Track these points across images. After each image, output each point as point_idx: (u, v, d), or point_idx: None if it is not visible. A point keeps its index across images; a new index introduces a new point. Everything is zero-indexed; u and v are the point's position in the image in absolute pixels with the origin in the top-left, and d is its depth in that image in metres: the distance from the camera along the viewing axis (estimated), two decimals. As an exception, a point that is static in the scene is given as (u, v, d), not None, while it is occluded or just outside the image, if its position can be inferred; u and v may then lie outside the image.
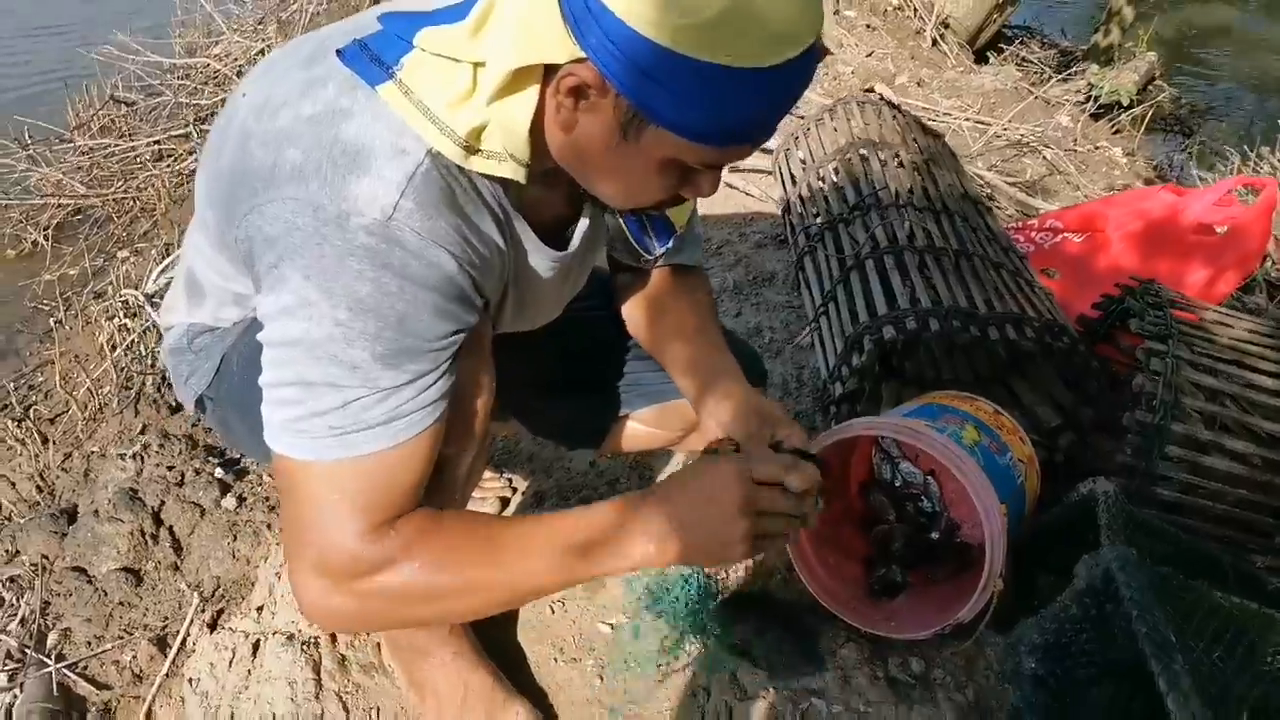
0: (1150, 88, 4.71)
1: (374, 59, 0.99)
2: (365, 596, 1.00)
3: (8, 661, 1.88)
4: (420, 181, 0.97)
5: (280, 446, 0.99)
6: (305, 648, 1.64)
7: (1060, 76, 4.54)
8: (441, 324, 1.01)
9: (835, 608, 1.57)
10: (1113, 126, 4.13)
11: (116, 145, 4.15)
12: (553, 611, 1.73)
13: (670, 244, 1.33)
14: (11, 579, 2.10)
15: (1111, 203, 2.36)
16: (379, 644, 1.67)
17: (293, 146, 0.98)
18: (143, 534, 2.06)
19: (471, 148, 1.00)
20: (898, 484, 1.79)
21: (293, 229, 0.96)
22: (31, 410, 2.84)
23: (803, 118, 3.63)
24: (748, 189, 3.09)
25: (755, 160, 3.21)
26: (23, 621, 1.98)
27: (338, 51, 1.01)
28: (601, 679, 1.58)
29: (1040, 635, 1.25)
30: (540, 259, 1.17)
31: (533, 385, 1.60)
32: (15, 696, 1.81)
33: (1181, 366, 1.67)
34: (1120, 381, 1.85)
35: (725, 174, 2.71)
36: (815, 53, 0.90)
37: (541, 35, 0.91)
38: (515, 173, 1.03)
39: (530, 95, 0.97)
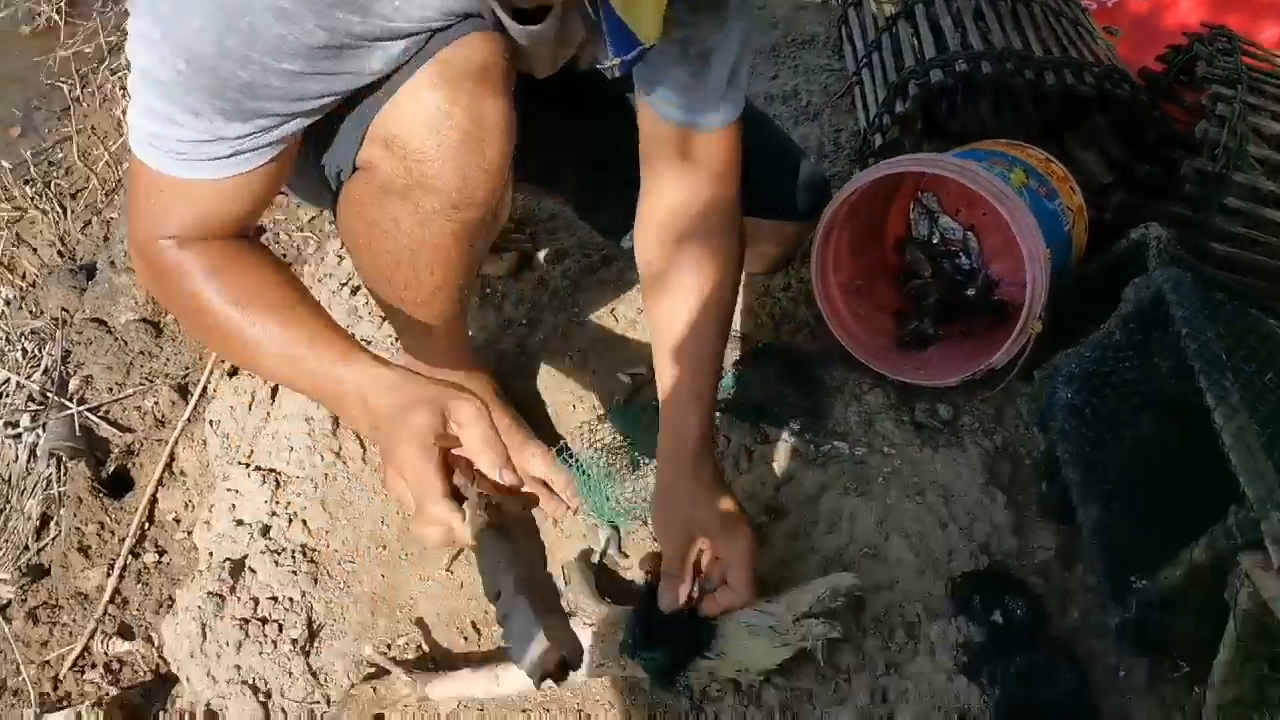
0: None
1: None
2: (163, 284, 1.04)
3: (30, 404, 1.89)
4: None
5: (137, 150, 0.96)
6: (321, 387, 1.62)
7: None
8: (300, 88, 0.92)
9: (863, 355, 1.52)
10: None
11: (128, -85, 3.95)
12: (572, 362, 1.70)
13: (630, 57, 1.02)
14: (33, 332, 2.09)
15: (1185, -42, 2.17)
16: (396, 387, 1.65)
17: None
18: (160, 285, 2.03)
19: None
20: (935, 240, 1.71)
21: None
22: (52, 184, 2.80)
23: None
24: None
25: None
26: (45, 370, 1.98)
27: None
28: (622, 421, 1.55)
29: (1079, 364, 1.19)
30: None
31: (582, 160, 1.51)
32: (39, 436, 1.82)
33: (1248, 113, 1.55)
34: (1179, 141, 1.72)
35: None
36: None
37: None
38: None
39: None
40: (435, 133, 1.02)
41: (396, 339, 1.55)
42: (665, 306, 1.27)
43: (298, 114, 0.96)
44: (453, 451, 0.96)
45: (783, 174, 1.53)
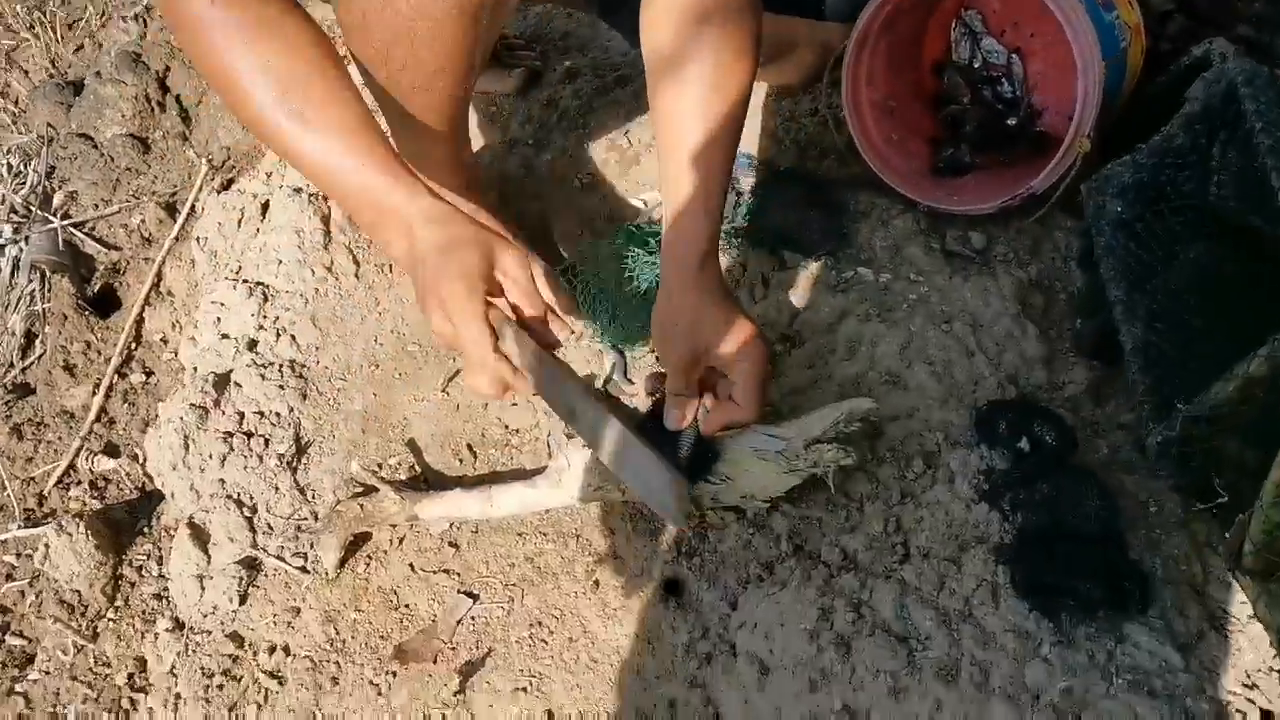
0: None
1: None
2: (192, 42, 0.96)
3: (12, 216, 1.80)
4: None
5: None
6: (314, 199, 1.52)
7: None
8: None
9: (893, 180, 1.40)
10: None
11: None
12: (581, 185, 1.59)
13: None
14: (18, 147, 1.99)
15: None
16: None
17: None
18: (148, 100, 1.92)
19: None
20: (977, 64, 1.57)
21: None
22: (49, 12, 2.66)
23: None
24: None
25: None
26: (30, 186, 1.89)
27: None
28: (629, 241, 1.45)
29: (1133, 174, 1.08)
30: None
31: None
32: (21, 249, 1.75)
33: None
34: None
35: None
36: None
37: None
38: None
39: None
40: None
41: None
42: (673, 96, 1.13)
43: None
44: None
45: None
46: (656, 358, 1.27)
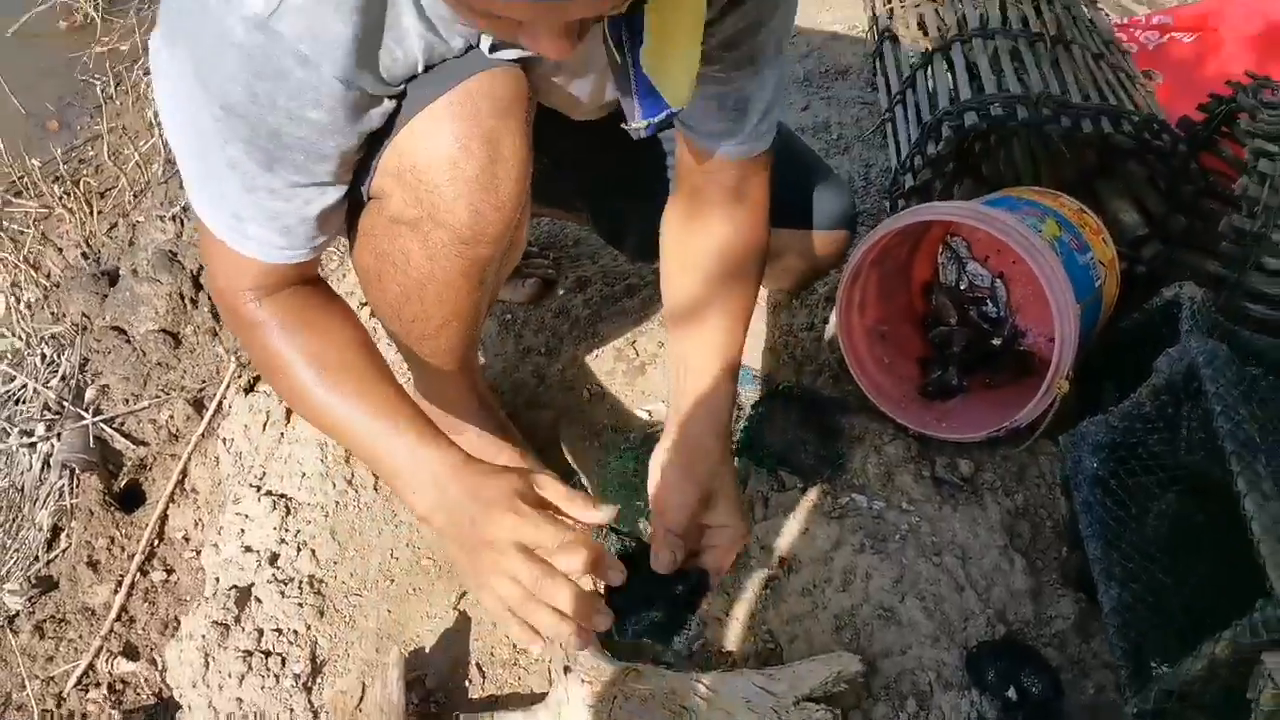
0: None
1: None
2: (245, 337, 1.12)
3: (46, 412, 1.89)
4: None
5: (195, 204, 1.02)
6: (335, 413, 1.60)
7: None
8: (319, 144, 0.94)
9: (885, 405, 1.49)
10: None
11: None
12: (590, 396, 1.68)
13: (658, 119, 0.97)
14: (53, 336, 2.09)
15: (1229, 0, 2.13)
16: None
17: None
18: (181, 297, 2.03)
19: None
20: (963, 286, 1.68)
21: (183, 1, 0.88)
22: (81, 182, 2.80)
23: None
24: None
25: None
26: (63, 377, 1.98)
27: None
28: (637, 464, 1.52)
29: (1107, 434, 1.16)
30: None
31: (611, 186, 1.50)
32: (53, 446, 1.82)
33: (1293, 171, 1.51)
34: (1218, 194, 1.69)
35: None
36: None
37: None
38: None
39: None
40: (449, 165, 1.01)
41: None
42: (687, 345, 1.26)
43: (319, 175, 0.98)
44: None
45: (807, 184, 1.51)
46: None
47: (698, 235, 1.24)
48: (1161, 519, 1.14)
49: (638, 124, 0.93)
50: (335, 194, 1.03)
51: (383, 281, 1.16)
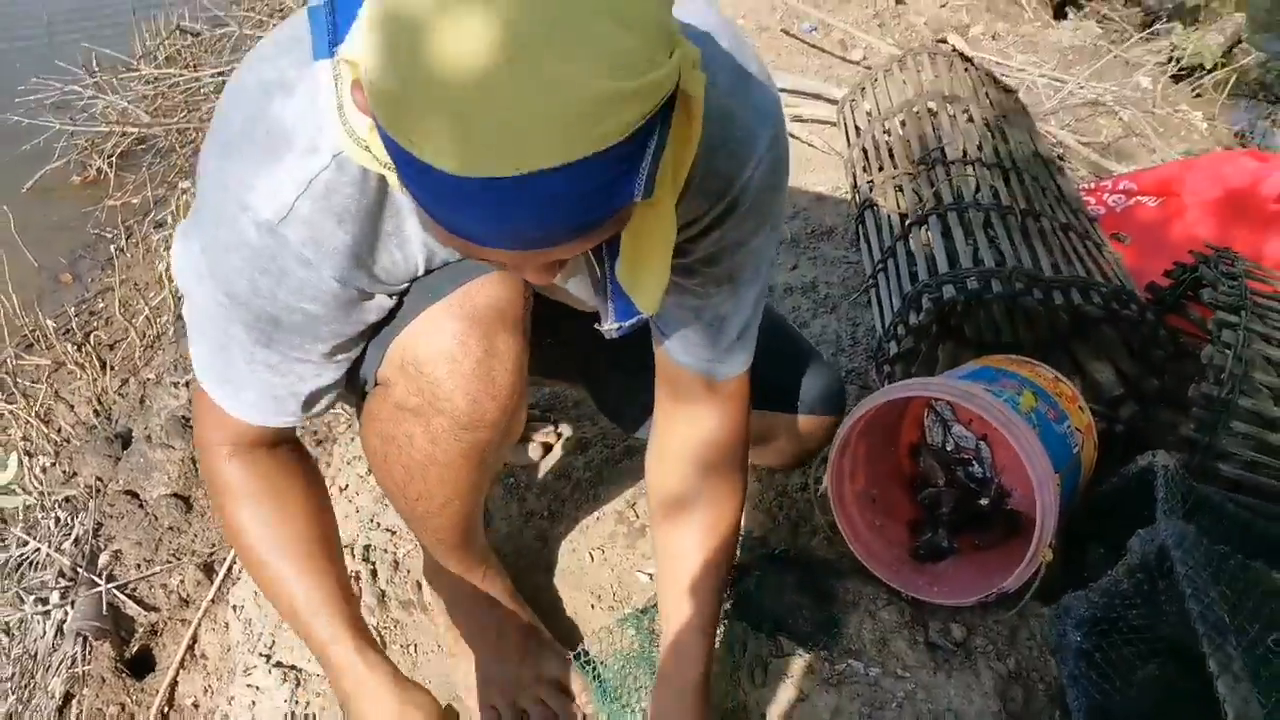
0: (1235, 50, 4.49)
1: (330, 22, 0.81)
2: (211, 490, 1.22)
3: (60, 579, 1.93)
4: (321, 187, 0.92)
5: (196, 367, 1.12)
6: (346, 581, 1.65)
7: (1143, 35, 4.34)
8: (315, 329, 1.05)
9: (878, 570, 1.54)
10: (1194, 90, 3.95)
11: (181, 75, 4.17)
12: (592, 559, 1.73)
13: (631, 323, 1.01)
14: (67, 499, 2.15)
15: (1190, 166, 2.26)
16: (419, 582, 1.68)
17: (238, 110, 0.95)
18: (193, 462, 2.09)
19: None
20: (949, 447, 1.75)
21: (205, 197, 0.98)
22: (91, 336, 2.90)
23: (869, 68, 3.54)
24: (810, 139, 3.01)
25: (819, 110, 3.13)
26: (76, 541, 2.02)
27: (310, 6, 0.87)
28: (637, 629, 1.57)
29: (1088, 609, 1.21)
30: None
31: (603, 363, 1.58)
32: (67, 613, 1.86)
33: (1253, 340, 1.60)
34: (1188, 353, 1.78)
35: (789, 123, 2.63)
36: (547, 181, 0.65)
37: None
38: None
39: None
40: (449, 361, 1.10)
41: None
42: (674, 535, 1.32)
43: (313, 355, 1.08)
44: None
45: (796, 369, 1.58)
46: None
47: (679, 425, 1.30)
48: (1146, 687, 1.19)
49: (610, 326, 1.01)
50: (330, 375, 1.12)
51: (388, 462, 1.24)
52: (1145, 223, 2.19)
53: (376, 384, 1.19)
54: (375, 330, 1.13)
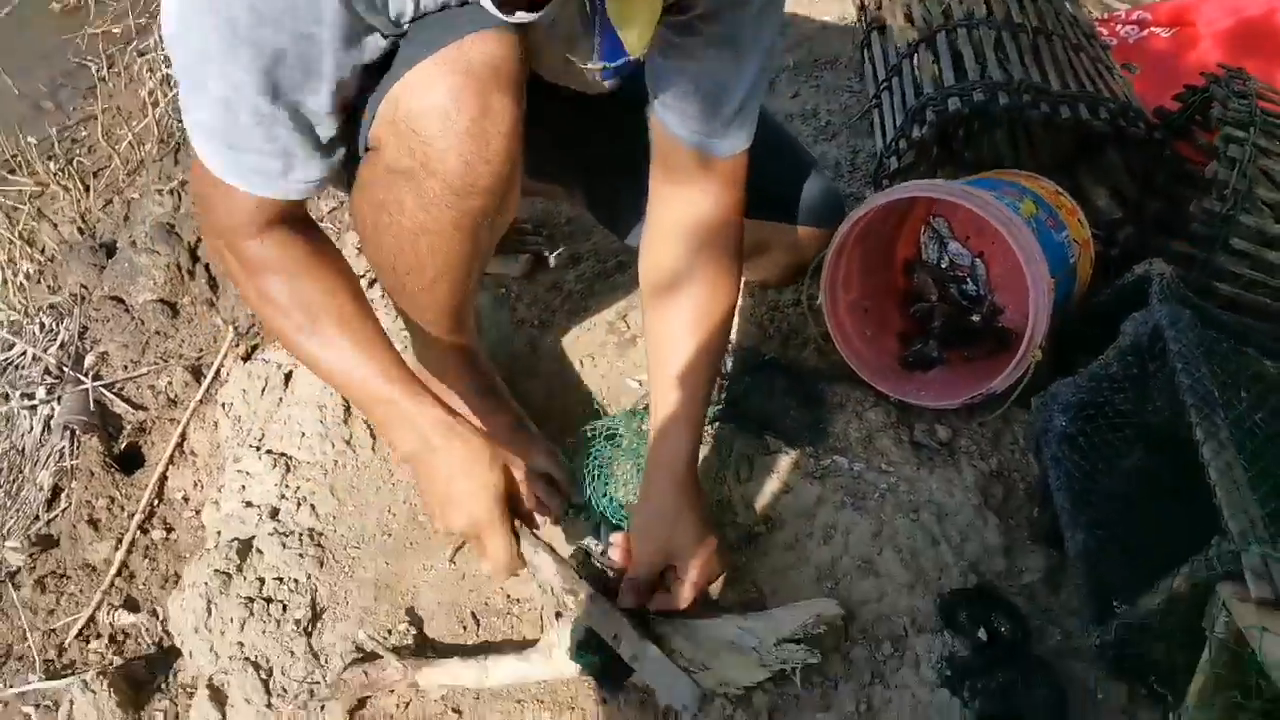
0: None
1: None
2: (237, 275, 1.17)
3: (46, 377, 1.92)
4: None
5: (193, 137, 1.05)
6: (335, 375, 1.65)
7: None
8: (317, 64, 0.99)
9: (867, 374, 1.55)
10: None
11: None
12: (582, 366, 1.73)
13: (616, 65, 1.08)
14: (51, 306, 2.13)
15: (1206, -3, 2.21)
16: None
17: None
18: (179, 268, 2.07)
19: None
20: (944, 264, 1.74)
21: None
22: (75, 161, 2.84)
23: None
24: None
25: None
26: (61, 345, 2.02)
27: None
28: (626, 428, 1.57)
29: (1075, 393, 1.22)
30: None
31: (598, 163, 1.55)
32: (53, 409, 1.86)
33: (1259, 156, 1.58)
34: (1192, 180, 1.75)
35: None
36: None
37: None
38: None
39: None
40: (442, 117, 1.05)
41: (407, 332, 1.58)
42: (666, 317, 1.31)
43: (314, 102, 1.03)
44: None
45: (795, 179, 1.56)
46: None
47: (673, 205, 1.29)
48: (1128, 474, 1.20)
49: (596, 65, 0.98)
50: (329, 128, 1.08)
51: (379, 232, 1.21)
52: (1157, 52, 2.14)
53: (368, 149, 1.16)
54: (372, 82, 1.09)
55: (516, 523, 1.23)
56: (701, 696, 1.14)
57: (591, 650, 1.23)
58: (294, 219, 1.16)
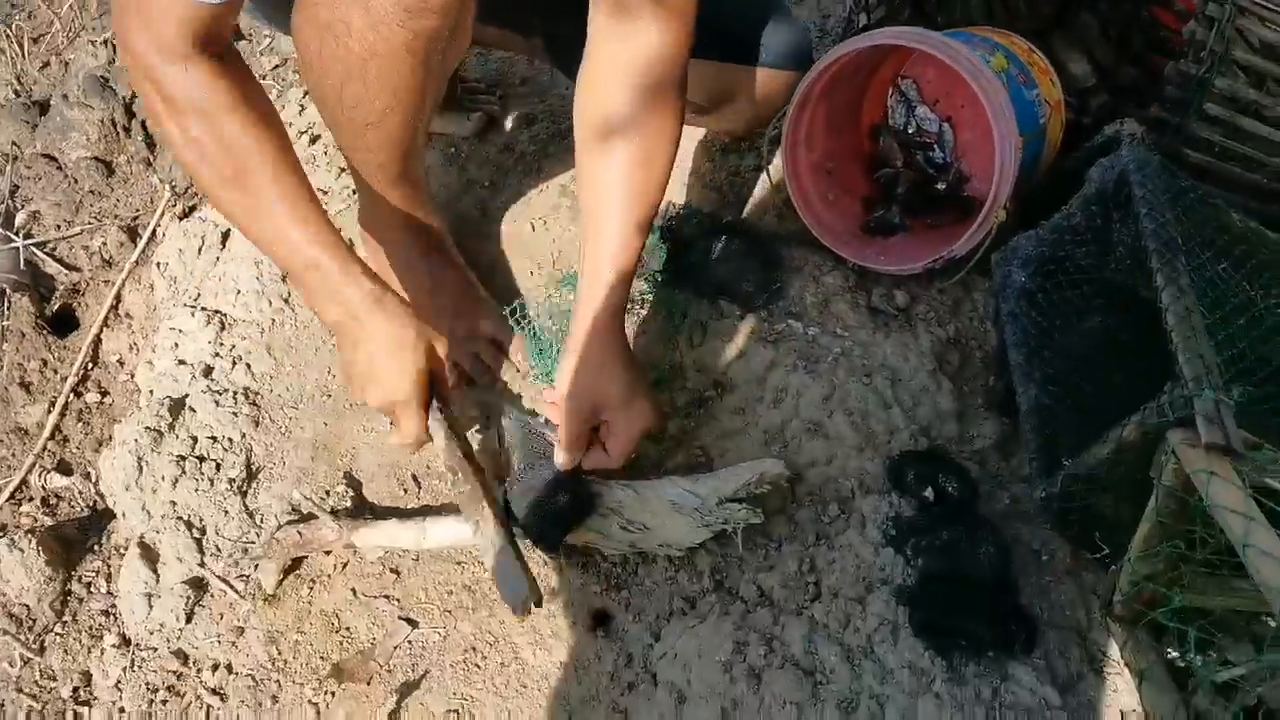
0: None
1: None
2: (158, 108, 1.08)
3: (-26, 233, 1.84)
4: None
5: None
6: (273, 233, 1.58)
7: None
8: None
9: (826, 238, 1.50)
10: None
11: None
12: (533, 229, 1.66)
13: None
14: (-19, 165, 2.03)
15: None
16: (350, 239, 1.61)
17: None
18: (114, 124, 1.97)
19: None
20: (911, 130, 1.67)
21: None
22: (14, 25, 2.69)
23: None
24: None
25: None
26: (-7, 204, 1.92)
27: None
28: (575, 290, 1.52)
29: (1036, 247, 1.17)
30: None
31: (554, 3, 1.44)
32: (-18, 266, 1.78)
33: (1239, 16, 1.51)
34: (1168, 48, 1.69)
35: None
36: None
37: None
38: None
39: None
40: None
41: (354, 189, 1.51)
42: (600, 165, 1.24)
43: None
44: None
45: (761, 18, 1.47)
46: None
47: (615, 38, 1.20)
48: (1085, 331, 1.16)
49: None
50: None
51: (324, 59, 1.11)
52: (1141, -84, 2.04)
53: None
54: None
55: (434, 403, 1.24)
56: (532, 604, 1.11)
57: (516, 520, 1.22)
58: (224, 51, 1.08)
